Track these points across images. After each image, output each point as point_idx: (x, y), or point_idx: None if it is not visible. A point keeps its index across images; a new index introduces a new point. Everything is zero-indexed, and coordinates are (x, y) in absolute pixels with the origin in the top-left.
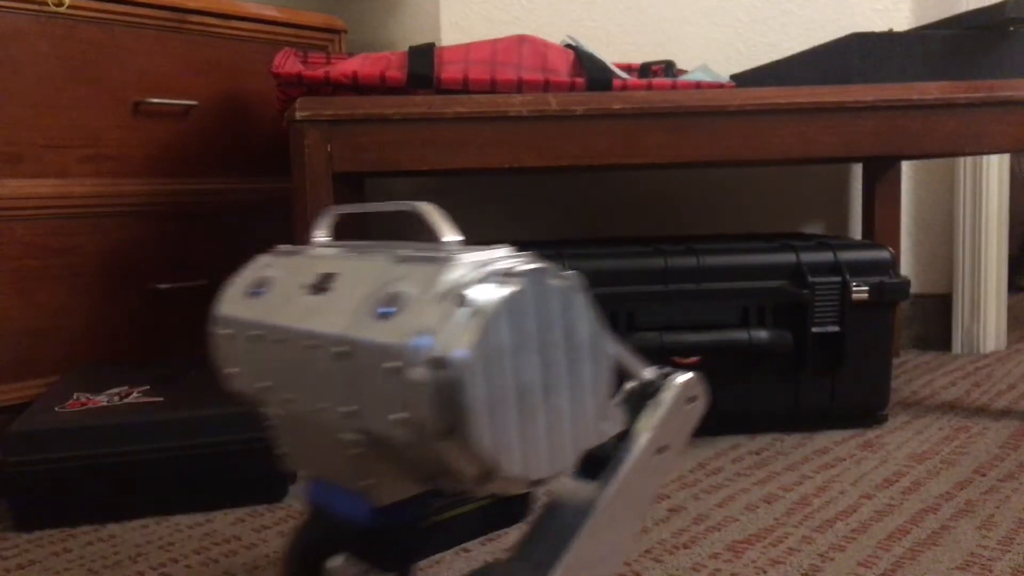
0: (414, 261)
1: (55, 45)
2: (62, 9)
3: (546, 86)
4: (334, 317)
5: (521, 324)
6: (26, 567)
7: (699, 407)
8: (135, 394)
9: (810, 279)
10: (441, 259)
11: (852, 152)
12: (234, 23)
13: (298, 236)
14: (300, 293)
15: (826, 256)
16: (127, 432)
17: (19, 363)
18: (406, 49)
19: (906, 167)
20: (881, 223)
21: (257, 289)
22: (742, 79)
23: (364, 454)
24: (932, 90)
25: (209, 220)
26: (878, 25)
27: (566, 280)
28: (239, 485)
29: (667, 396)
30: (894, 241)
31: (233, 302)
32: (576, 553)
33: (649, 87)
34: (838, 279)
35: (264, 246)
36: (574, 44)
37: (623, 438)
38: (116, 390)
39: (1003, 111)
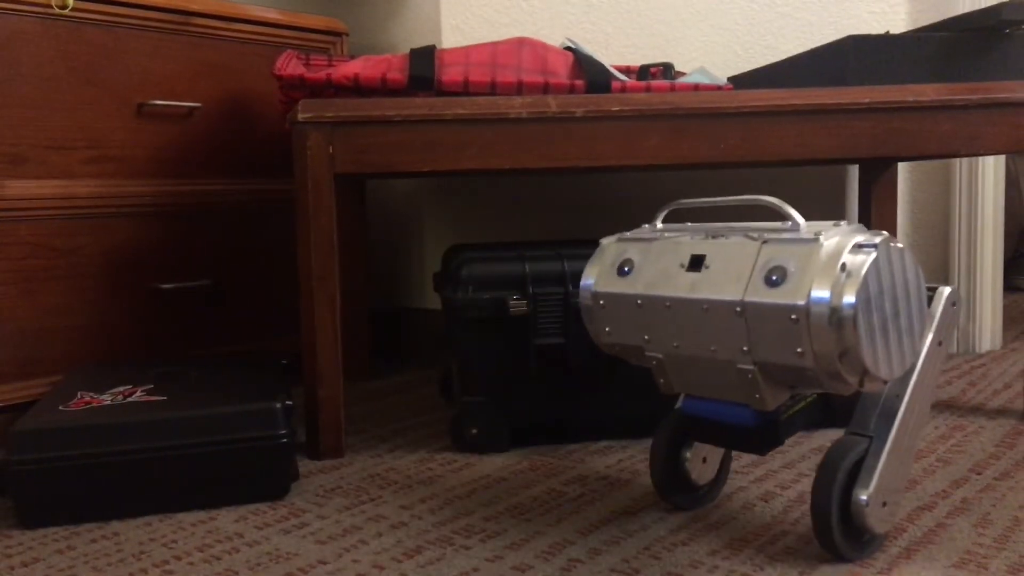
0: (781, 242)
1: (59, 47)
2: (66, 12)
3: (546, 88)
4: (722, 287)
5: (880, 278)
6: (30, 564)
7: (959, 309)
8: (138, 393)
9: None
10: (810, 239)
11: (849, 153)
12: (236, 26)
13: (300, 235)
14: (679, 271)
15: None
16: (130, 431)
17: (23, 362)
18: (407, 51)
19: (903, 168)
20: (878, 224)
21: (624, 269)
22: (740, 81)
23: (755, 378)
24: (928, 92)
25: (212, 221)
26: (874, 28)
27: (899, 245)
28: (242, 483)
29: (938, 304)
30: None
31: (605, 280)
32: (900, 424)
33: (648, 89)
34: None
35: (266, 246)
36: (573, 47)
37: None
38: (119, 389)
39: (999, 113)
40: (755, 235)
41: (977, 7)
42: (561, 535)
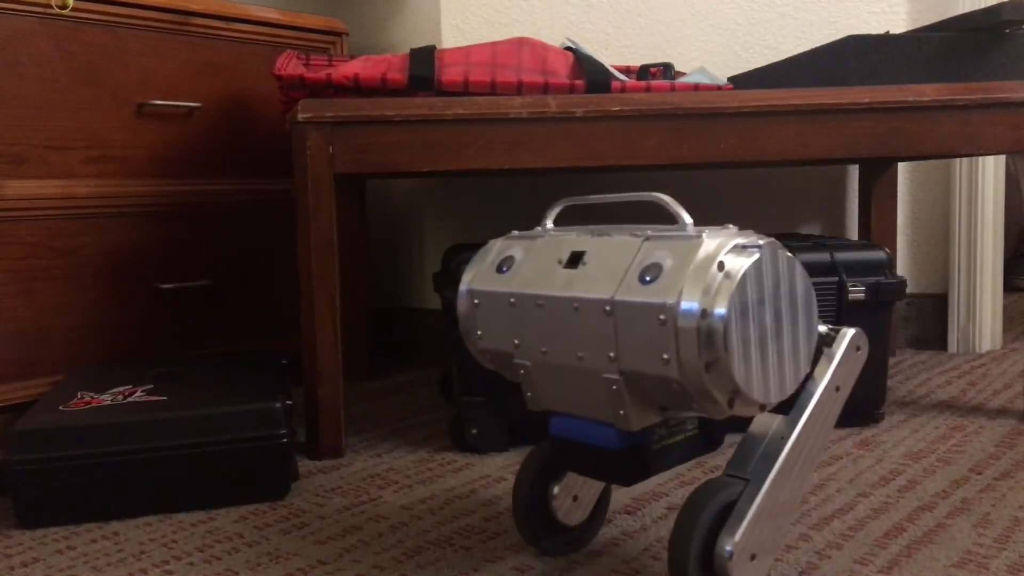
0: (662, 239)
1: (59, 47)
2: (66, 11)
3: (546, 88)
4: (595, 285)
5: (761, 284)
6: (30, 565)
7: (863, 355)
8: (138, 393)
9: None
10: (692, 237)
11: (849, 153)
12: (236, 25)
13: (300, 235)
14: (555, 268)
15: (823, 256)
16: (130, 431)
17: (23, 362)
18: (407, 51)
19: (903, 168)
20: (878, 224)
21: (503, 267)
22: (740, 81)
23: (620, 391)
24: (928, 92)
25: (212, 221)
26: (874, 27)
27: (789, 254)
28: (241, 483)
29: (840, 345)
30: (891, 241)
31: (482, 278)
32: (781, 469)
33: (648, 89)
34: (835, 279)
35: (266, 246)
36: (573, 46)
37: (807, 380)
38: (119, 389)
39: (998, 113)
40: (639, 233)
41: (977, 7)
42: None
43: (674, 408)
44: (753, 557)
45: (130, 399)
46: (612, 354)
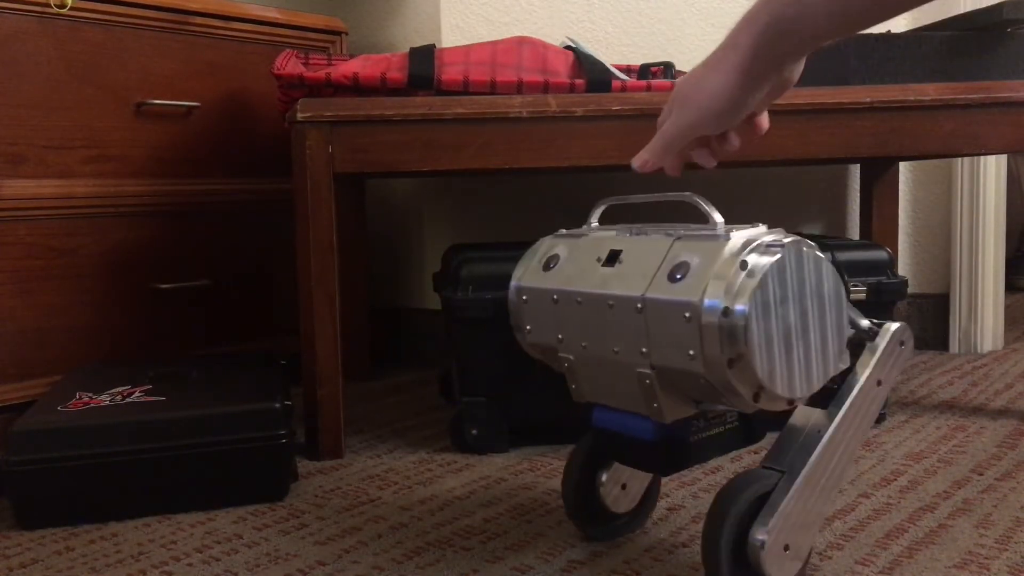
0: (691, 239)
1: (58, 46)
2: (65, 11)
3: (546, 87)
4: (629, 283)
5: (784, 282)
6: (28, 565)
7: (908, 350)
8: (137, 393)
9: None
10: (719, 236)
11: (850, 153)
12: (235, 24)
13: (299, 235)
14: (595, 266)
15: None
16: (129, 431)
17: (22, 363)
18: (407, 51)
19: (904, 168)
20: (879, 223)
21: (549, 264)
22: None
23: (652, 384)
24: (930, 91)
25: (211, 220)
26: (875, 27)
27: (815, 249)
28: (240, 484)
29: (883, 340)
30: (892, 241)
31: (531, 275)
32: (817, 462)
33: (648, 88)
34: None
35: (265, 246)
36: (573, 46)
37: (848, 374)
38: (118, 389)
39: (1000, 112)
40: (672, 232)
41: (978, 6)
42: (562, 536)
43: (706, 401)
44: (786, 548)
45: (129, 399)
46: (644, 349)
